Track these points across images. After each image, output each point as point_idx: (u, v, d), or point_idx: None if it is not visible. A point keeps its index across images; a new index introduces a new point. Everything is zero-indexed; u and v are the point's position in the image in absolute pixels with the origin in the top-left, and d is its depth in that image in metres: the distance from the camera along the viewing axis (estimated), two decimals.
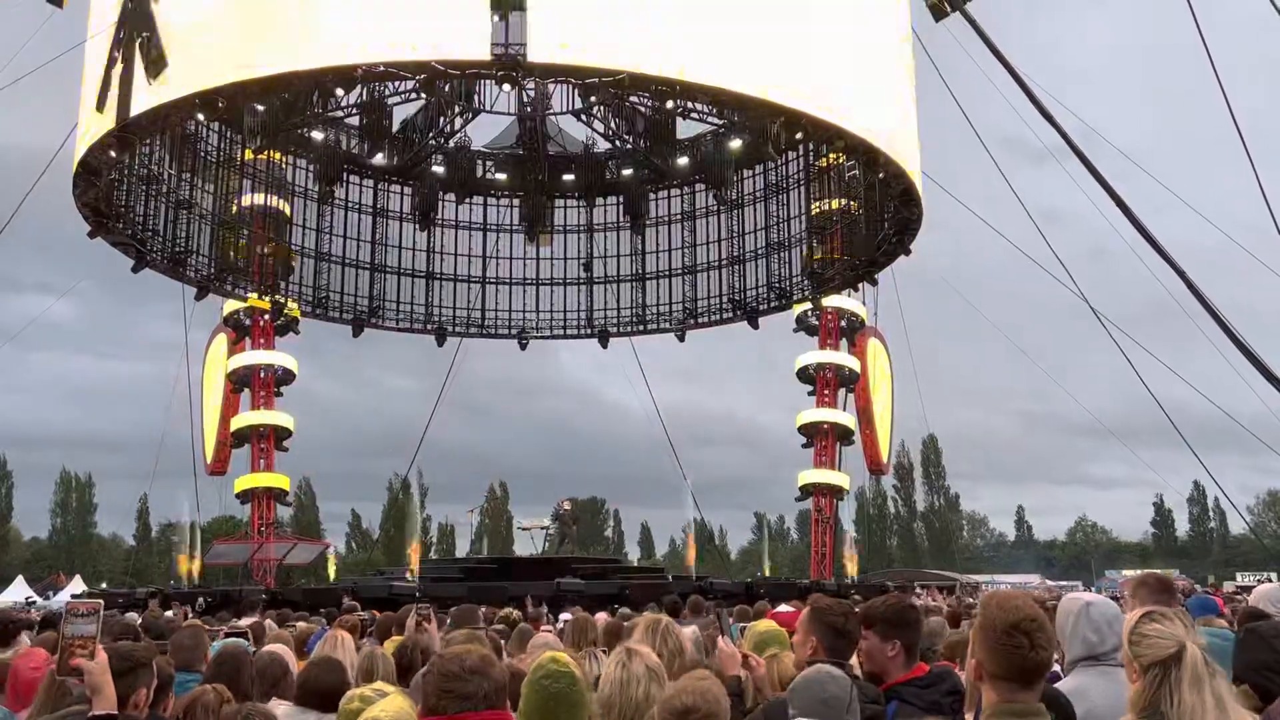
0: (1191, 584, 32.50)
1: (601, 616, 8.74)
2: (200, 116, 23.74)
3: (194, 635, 5.76)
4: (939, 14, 27.31)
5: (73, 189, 23.41)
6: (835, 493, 41.80)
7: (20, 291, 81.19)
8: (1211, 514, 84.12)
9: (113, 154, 22.70)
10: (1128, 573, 60.13)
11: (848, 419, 41.01)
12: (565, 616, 9.22)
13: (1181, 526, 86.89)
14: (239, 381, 37.69)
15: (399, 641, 6.38)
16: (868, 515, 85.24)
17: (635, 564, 59.11)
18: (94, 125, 22.19)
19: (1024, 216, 23.66)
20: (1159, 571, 5.95)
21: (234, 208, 29.25)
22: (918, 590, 29.10)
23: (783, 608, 11.21)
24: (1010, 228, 25.84)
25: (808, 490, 41.22)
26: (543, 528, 34.88)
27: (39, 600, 38.95)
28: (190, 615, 17.03)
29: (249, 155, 29.28)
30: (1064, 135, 10.51)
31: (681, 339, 34.61)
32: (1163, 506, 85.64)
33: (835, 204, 29.60)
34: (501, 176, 34.32)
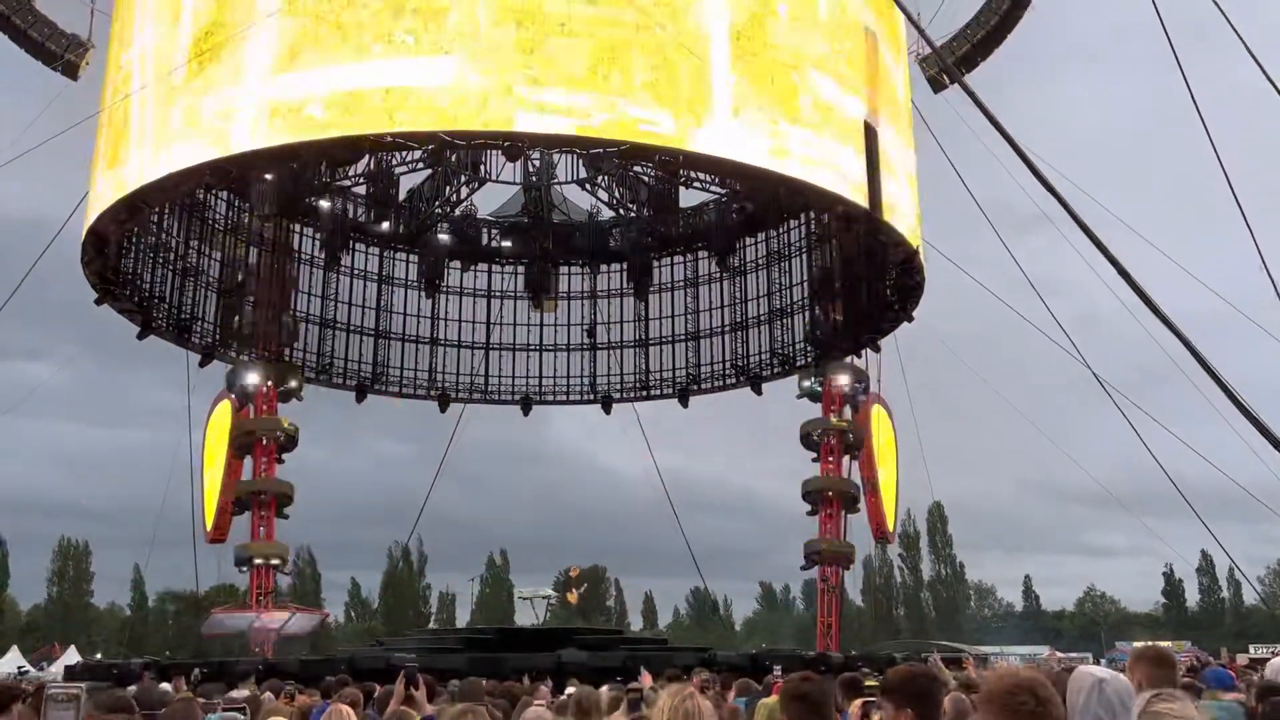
0: (1206, 657, 31.91)
1: (604, 691, 8.53)
2: (209, 185, 24.08)
3: (187, 710, 5.61)
4: (938, 86, 27.88)
5: (80, 257, 23.62)
6: (841, 561, 41.25)
7: (6, 358, 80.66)
8: (1224, 584, 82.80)
9: (122, 221, 22.94)
10: (1137, 644, 59.12)
11: (852, 486, 40.65)
12: (570, 690, 8.98)
13: (1192, 597, 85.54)
14: (241, 448, 37.52)
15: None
16: (874, 585, 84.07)
17: (638, 634, 58.20)
18: (105, 189, 22.46)
19: (1010, 281, 23.81)
20: (1158, 645, 5.88)
21: (240, 275, 29.52)
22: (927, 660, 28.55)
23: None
24: (998, 293, 26.08)
25: (813, 559, 40.68)
26: (544, 596, 34.45)
27: (31, 670, 38.30)
28: (186, 687, 16.71)
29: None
30: (1065, 205, 10.59)
31: (685, 405, 34.61)
32: (1173, 577, 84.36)
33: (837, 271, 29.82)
34: (507, 244, 34.71)
